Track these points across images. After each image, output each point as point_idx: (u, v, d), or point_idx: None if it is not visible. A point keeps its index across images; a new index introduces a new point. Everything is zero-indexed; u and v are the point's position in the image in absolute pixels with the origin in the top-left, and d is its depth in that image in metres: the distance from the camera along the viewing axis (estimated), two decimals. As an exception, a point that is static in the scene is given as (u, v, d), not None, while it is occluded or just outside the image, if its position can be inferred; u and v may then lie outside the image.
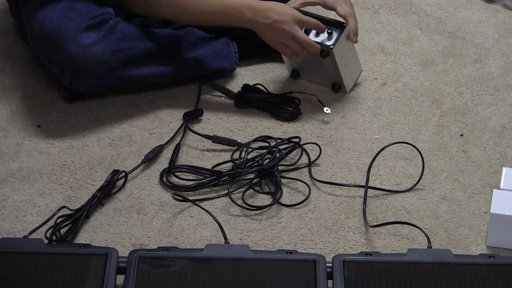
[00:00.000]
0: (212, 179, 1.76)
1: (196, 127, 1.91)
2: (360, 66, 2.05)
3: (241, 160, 1.79)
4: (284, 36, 1.87)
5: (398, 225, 1.67)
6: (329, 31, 1.92)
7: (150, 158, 1.81)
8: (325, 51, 1.92)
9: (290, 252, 1.53)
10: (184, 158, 1.83)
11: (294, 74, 2.05)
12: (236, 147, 1.85)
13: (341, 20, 1.94)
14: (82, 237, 1.64)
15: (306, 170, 1.81)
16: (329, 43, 1.92)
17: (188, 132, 1.89)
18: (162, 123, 1.92)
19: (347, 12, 1.93)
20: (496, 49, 2.19)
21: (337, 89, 2.02)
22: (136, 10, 1.93)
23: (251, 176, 1.77)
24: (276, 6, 1.87)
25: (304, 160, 1.83)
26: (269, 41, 1.91)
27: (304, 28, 1.90)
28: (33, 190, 1.74)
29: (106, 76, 1.88)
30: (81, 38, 1.83)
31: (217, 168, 1.80)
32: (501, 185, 1.68)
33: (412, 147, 1.82)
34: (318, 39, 1.92)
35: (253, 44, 2.08)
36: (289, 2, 1.95)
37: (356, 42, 1.95)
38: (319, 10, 2.03)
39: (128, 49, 1.88)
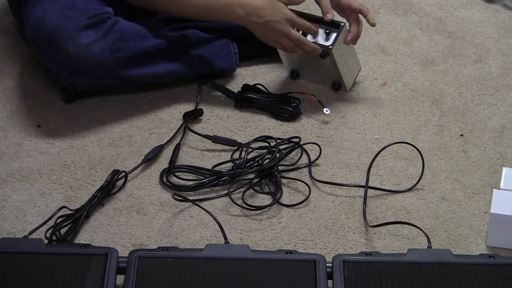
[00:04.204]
0: (212, 179, 1.76)
1: (196, 127, 1.91)
2: (359, 63, 2.05)
3: (241, 160, 1.79)
4: (277, 35, 1.88)
5: (398, 225, 1.67)
6: (327, 31, 1.92)
7: (150, 158, 1.81)
8: (324, 52, 1.92)
9: (290, 252, 1.53)
10: (184, 158, 1.83)
11: (293, 75, 2.05)
12: (236, 147, 1.85)
13: (339, 20, 1.94)
14: (82, 237, 1.64)
15: (306, 170, 1.81)
16: (327, 43, 1.92)
17: (188, 132, 1.89)
18: (162, 123, 1.92)
19: (362, 7, 1.94)
20: (496, 49, 2.19)
21: (337, 88, 2.02)
22: (134, 2, 1.92)
23: (251, 176, 1.77)
24: (269, 5, 1.87)
25: (304, 160, 1.83)
26: (262, 39, 1.91)
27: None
28: (33, 190, 1.74)
29: (104, 75, 1.88)
30: (80, 38, 1.83)
31: (217, 168, 1.80)
32: (501, 185, 1.68)
33: (412, 147, 1.82)
34: (316, 40, 1.92)
35: (253, 45, 2.08)
36: None
37: (354, 44, 1.97)
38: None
39: (127, 49, 1.88)
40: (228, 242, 1.59)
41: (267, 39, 1.90)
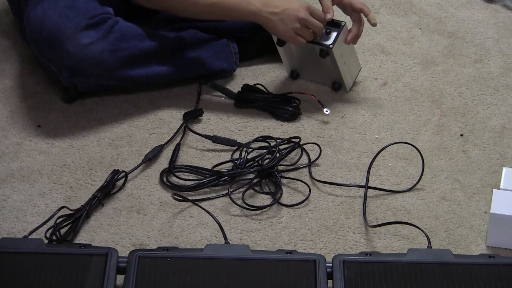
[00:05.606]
0: (212, 179, 1.76)
1: (196, 127, 1.91)
2: (359, 63, 2.05)
3: (241, 160, 1.79)
4: (298, 23, 1.84)
5: (398, 225, 1.67)
6: (327, 30, 1.92)
7: (150, 158, 1.81)
8: (324, 51, 1.92)
9: (290, 252, 1.53)
10: (184, 158, 1.83)
11: (293, 75, 2.05)
12: (236, 147, 1.85)
13: (340, 19, 1.94)
14: (82, 237, 1.64)
15: (306, 170, 1.81)
16: (328, 42, 1.92)
17: (188, 132, 1.89)
18: (162, 123, 1.92)
19: (363, 7, 1.93)
20: (496, 49, 2.19)
21: (337, 88, 2.02)
22: (144, 3, 1.91)
23: (251, 176, 1.77)
24: None
25: (304, 160, 1.83)
26: (279, 31, 1.86)
27: None
28: (33, 190, 1.74)
29: (104, 75, 1.88)
30: (80, 38, 1.83)
31: (217, 168, 1.80)
32: (501, 185, 1.69)
33: (412, 147, 1.82)
34: (316, 39, 1.92)
35: (253, 45, 2.08)
36: None
37: (354, 44, 1.97)
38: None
39: (127, 49, 1.88)
40: (228, 242, 1.59)
41: (286, 29, 1.85)
